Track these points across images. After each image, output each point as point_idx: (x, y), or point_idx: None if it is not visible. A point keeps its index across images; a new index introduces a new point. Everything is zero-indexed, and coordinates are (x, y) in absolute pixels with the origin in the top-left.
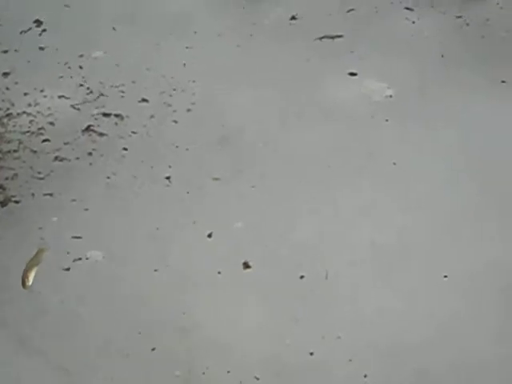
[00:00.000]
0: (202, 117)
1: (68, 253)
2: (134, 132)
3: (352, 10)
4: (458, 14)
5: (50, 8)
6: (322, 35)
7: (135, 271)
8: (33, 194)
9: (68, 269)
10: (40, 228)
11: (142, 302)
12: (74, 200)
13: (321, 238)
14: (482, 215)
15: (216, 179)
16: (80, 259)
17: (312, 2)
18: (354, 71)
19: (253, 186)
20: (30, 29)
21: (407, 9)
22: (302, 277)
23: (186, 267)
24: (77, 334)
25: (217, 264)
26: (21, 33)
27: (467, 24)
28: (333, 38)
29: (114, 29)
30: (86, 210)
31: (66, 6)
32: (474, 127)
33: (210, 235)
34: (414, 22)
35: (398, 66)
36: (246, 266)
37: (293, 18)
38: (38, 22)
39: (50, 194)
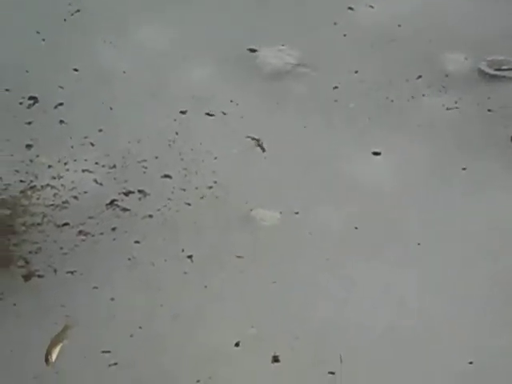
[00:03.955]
0: (224, 195)
1: None
2: (157, 208)
3: (370, 89)
4: (483, 99)
5: (67, 82)
6: (344, 112)
7: (159, 351)
8: (56, 270)
9: None
10: (63, 305)
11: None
12: (96, 278)
13: (339, 319)
14: (505, 301)
15: (239, 257)
16: None
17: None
18: (377, 150)
19: (274, 265)
20: (49, 102)
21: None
22: (330, 372)
23: (210, 347)
24: None
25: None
26: (41, 106)
27: (489, 110)
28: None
29: (135, 103)
30: (109, 288)
31: (89, 75)
32: (495, 213)
33: (234, 314)
34: (444, 106)
35: (421, 148)
36: (275, 359)
37: (323, 91)
38: (57, 96)
39: (74, 272)
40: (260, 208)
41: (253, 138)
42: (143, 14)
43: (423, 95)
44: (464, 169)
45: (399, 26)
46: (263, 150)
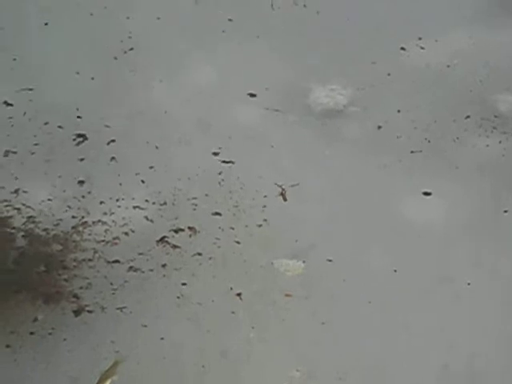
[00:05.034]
0: (274, 233)
1: None
2: (206, 246)
3: (419, 129)
4: None
5: (117, 120)
6: (394, 152)
7: None
8: (106, 306)
9: None
10: (112, 341)
11: None
12: (145, 315)
13: (390, 360)
14: None
15: (288, 296)
16: None
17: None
18: (428, 191)
19: (324, 305)
20: (100, 139)
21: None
22: None
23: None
24: None
25: None
26: (93, 143)
27: None
28: (411, 152)
29: (185, 141)
30: (158, 326)
31: (140, 113)
32: None
33: (281, 354)
34: (494, 147)
35: (471, 188)
36: None
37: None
38: (108, 133)
39: (124, 308)
40: (310, 247)
41: (279, 186)
42: (195, 53)
43: (472, 136)
44: None
45: (448, 66)
46: (285, 199)
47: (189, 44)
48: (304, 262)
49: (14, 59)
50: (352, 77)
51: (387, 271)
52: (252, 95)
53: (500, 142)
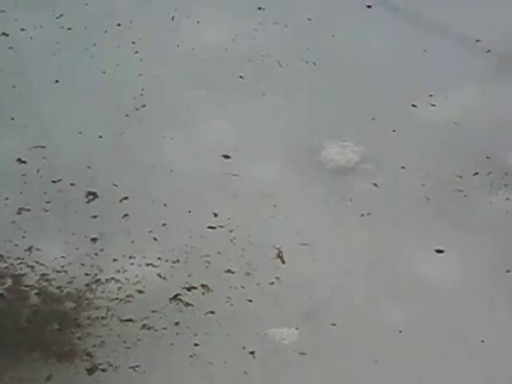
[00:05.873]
0: (286, 291)
1: None
2: (219, 304)
3: (430, 186)
4: None
5: (130, 177)
6: (405, 209)
7: None
8: (119, 365)
9: None
10: None
11: None
12: (158, 374)
13: None
14: None
15: (303, 354)
16: None
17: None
18: (440, 248)
19: (339, 363)
20: (113, 196)
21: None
22: None
23: None
24: None
25: None
26: (105, 200)
27: None
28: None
29: (198, 198)
30: None
31: (152, 170)
32: None
33: None
34: (504, 204)
35: (483, 246)
36: None
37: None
38: (120, 190)
39: (137, 367)
40: (323, 305)
41: (276, 248)
42: (207, 110)
43: (482, 193)
44: None
45: (458, 123)
46: (283, 261)
47: (201, 101)
48: (316, 320)
49: (27, 117)
50: (363, 134)
51: (400, 329)
52: (263, 151)
53: (508, 199)
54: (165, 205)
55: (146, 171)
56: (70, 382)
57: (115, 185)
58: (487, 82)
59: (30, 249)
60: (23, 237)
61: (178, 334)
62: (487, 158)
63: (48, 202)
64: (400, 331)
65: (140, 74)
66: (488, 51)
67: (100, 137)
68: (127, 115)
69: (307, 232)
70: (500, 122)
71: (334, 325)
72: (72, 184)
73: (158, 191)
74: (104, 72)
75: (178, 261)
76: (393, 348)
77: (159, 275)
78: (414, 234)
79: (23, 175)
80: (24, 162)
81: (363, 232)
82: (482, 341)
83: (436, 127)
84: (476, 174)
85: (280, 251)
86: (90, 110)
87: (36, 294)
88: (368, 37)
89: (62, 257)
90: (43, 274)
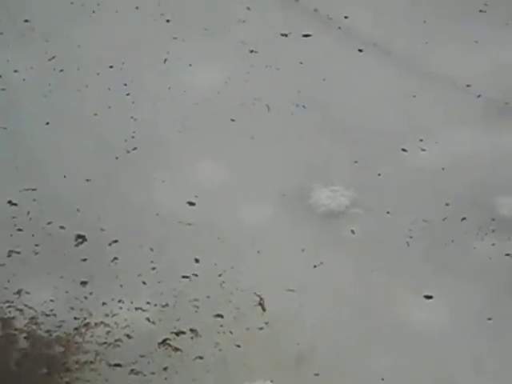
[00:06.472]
0: (275, 336)
1: None
2: (207, 349)
3: (426, 221)
4: None
5: (120, 220)
6: (394, 254)
7: None
8: None
9: None
10: None
11: None
12: None
13: None
14: None
15: None
16: None
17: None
18: (428, 294)
19: None
20: (102, 240)
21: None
22: None
23: None
24: None
25: None
26: (95, 244)
27: None
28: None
29: (188, 241)
30: None
31: (142, 214)
32: None
33: None
34: (491, 250)
35: (471, 292)
36: None
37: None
38: (109, 234)
39: None
40: (312, 350)
41: (257, 295)
42: (198, 152)
43: (469, 238)
44: None
45: (447, 168)
46: (264, 309)
47: (192, 144)
48: (307, 363)
49: (18, 158)
50: (354, 178)
51: (383, 376)
52: (253, 194)
53: (494, 244)
54: (151, 249)
55: (135, 214)
56: None
57: (105, 228)
58: (477, 127)
59: (19, 292)
60: (13, 280)
61: (166, 379)
62: (475, 203)
63: (37, 245)
64: (382, 379)
65: (131, 117)
66: (478, 96)
67: (89, 180)
68: (117, 158)
69: (296, 277)
70: (489, 168)
71: (316, 375)
72: (62, 227)
73: (148, 235)
74: (95, 114)
75: (166, 305)
76: None
77: (148, 319)
78: (402, 279)
79: (13, 217)
80: (15, 205)
81: (351, 276)
82: None
83: (426, 172)
84: (463, 219)
85: (261, 298)
86: (81, 153)
87: (25, 337)
88: (359, 81)
89: (51, 300)
90: (32, 318)
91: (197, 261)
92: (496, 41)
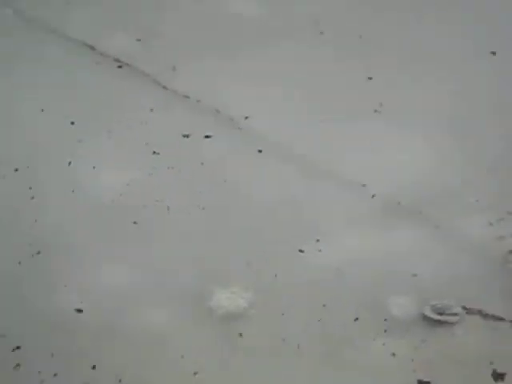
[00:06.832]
0: None
1: None
2: None
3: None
4: (421, 344)
5: (25, 322)
6: (291, 354)
7: None
8: None
9: None
10: None
11: None
12: None
13: None
14: None
15: None
16: None
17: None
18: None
19: None
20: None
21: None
22: None
23: None
24: None
25: None
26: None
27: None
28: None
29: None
30: None
31: (45, 320)
32: None
33: None
34: (382, 350)
35: None
36: None
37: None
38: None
39: None
40: None
41: None
42: (101, 254)
43: (359, 338)
44: None
45: (340, 269)
46: None
47: (95, 247)
48: None
49: None
50: (252, 280)
51: None
52: (154, 297)
53: (385, 344)
54: (52, 355)
55: (37, 320)
56: None
57: (5, 335)
58: (372, 226)
59: None
60: None
61: None
62: (368, 303)
63: None
64: None
65: (36, 220)
66: (373, 196)
67: None
68: (20, 263)
69: (196, 379)
70: (383, 268)
71: None
72: None
73: (53, 337)
74: None
75: None
76: None
77: None
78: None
79: None
80: None
81: (250, 373)
82: None
83: (321, 272)
84: (356, 319)
85: None
86: None
87: None
88: (258, 181)
89: None
90: None
91: (93, 368)
92: (390, 140)
